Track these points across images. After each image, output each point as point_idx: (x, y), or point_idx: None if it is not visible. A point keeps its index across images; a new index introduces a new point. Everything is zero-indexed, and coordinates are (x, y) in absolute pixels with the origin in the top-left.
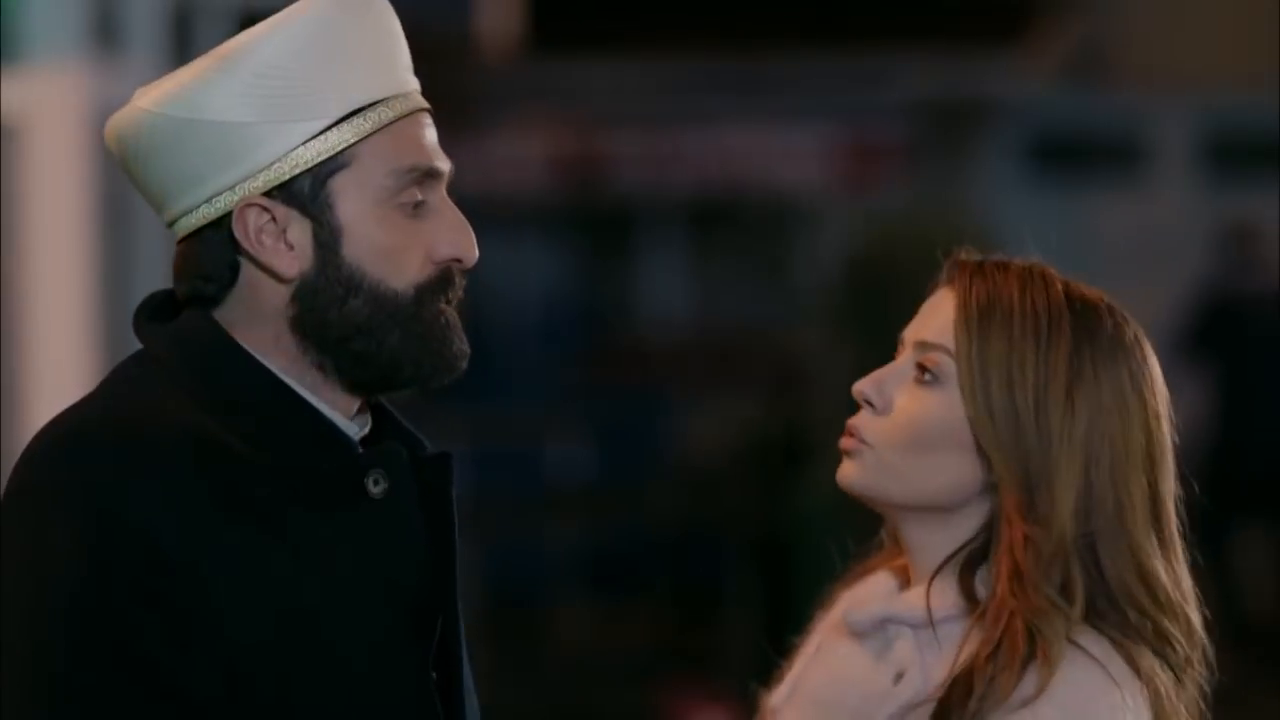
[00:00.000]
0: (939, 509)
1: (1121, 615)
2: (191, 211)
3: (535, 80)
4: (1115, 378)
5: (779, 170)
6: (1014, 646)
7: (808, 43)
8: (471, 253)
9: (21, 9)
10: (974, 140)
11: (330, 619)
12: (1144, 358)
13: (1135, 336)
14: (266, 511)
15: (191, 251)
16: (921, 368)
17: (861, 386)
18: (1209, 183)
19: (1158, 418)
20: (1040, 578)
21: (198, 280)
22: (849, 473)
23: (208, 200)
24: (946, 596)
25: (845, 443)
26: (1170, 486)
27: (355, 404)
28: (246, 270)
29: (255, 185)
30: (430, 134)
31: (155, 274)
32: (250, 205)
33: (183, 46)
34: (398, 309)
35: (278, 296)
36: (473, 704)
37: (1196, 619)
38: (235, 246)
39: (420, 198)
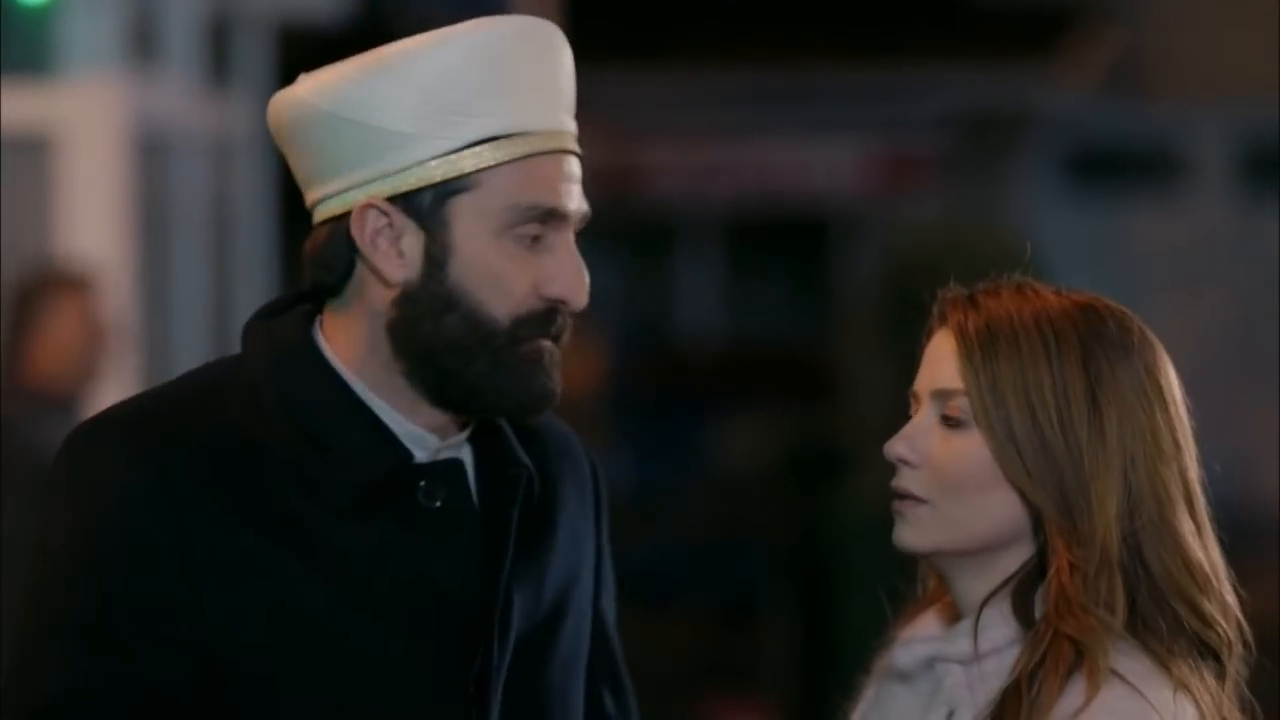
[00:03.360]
0: (989, 549)
1: (1165, 613)
2: (327, 200)
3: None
4: (1133, 373)
5: (816, 182)
6: (1059, 658)
7: (845, 55)
8: (580, 297)
9: (60, 22)
10: (1011, 153)
11: (343, 626)
12: (1152, 347)
13: (1139, 329)
14: (283, 513)
15: (320, 238)
16: (946, 418)
17: (893, 448)
18: (1246, 195)
19: (1175, 404)
20: (1087, 599)
21: (319, 268)
22: (906, 536)
23: (340, 193)
24: (994, 630)
25: (896, 506)
26: (1196, 470)
27: (443, 419)
28: (360, 268)
29: (381, 189)
30: (569, 175)
31: (192, 284)
32: (371, 207)
33: (219, 59)
34: (492, 336)
35: (381, 299)
36: (627, 702)
37: (1232, 599)
38: (353, 243)
39: (539, 233)
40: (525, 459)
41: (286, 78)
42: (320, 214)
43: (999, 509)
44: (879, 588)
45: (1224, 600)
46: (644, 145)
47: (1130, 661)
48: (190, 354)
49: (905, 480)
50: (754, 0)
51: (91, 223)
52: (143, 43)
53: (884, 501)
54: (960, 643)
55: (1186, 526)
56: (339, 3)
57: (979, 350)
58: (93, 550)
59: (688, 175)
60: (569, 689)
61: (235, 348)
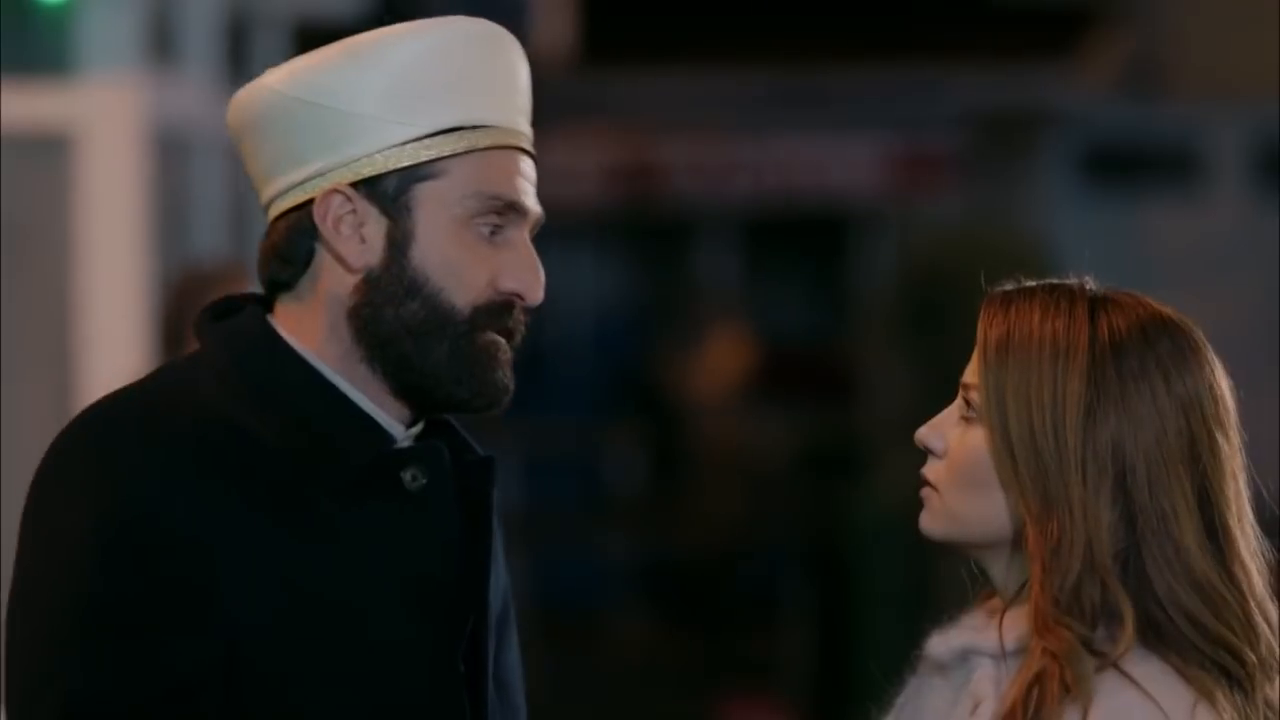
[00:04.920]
0: (1007, 543)
1: (1174, 627)
2: (287, 192)
3: (591, 91)
4: (1148, 388)
5: (834, 181)
6: (1052, 682)
7: (863, 54)
8: (536, 293)
9: (78, 21)
10: (1029, 151)
11: (346, 607)
12: (1185, 363)
13: (1178, 345)
14: (285, 500)
15: (277, 233)
16: (966, 404)
17: (920, 434)
18: (1263, 194)
19: (1204, 419)
20: (1060, 614)
21: (278, 262)
22: (924, 521)
23: (303, 182)
24: (1020, 627)
25: (922, 492)
26: (1230, 487)
27: (403, 410)
28: (320, 256)
29: (345, 174)
30: (525, 173)
31: None
32: (335, 192)
33: (238, 58)
34: (451, 323)
35: (342, 286)
36: (515, 701)
37: (1263, 621)
38: (314, 232)
39: (499, 224)
40: (475, 443)
41: None
42: (278, 207)
43: (992, 508)
44: (896, 585)
45: (1247, 621)
46: (662, 144)
47: (1146, 666)
48: None
49: (926, 466)
50: None
51: (110, 221)
52: (161, 41)
53: (902, 500)
54: (992, 636)
55: (1197, 544)
56: (356, 1)
57: (995, 350)
58: (113, 544)
59: (706, 174)
60: (515, 666)
61: None
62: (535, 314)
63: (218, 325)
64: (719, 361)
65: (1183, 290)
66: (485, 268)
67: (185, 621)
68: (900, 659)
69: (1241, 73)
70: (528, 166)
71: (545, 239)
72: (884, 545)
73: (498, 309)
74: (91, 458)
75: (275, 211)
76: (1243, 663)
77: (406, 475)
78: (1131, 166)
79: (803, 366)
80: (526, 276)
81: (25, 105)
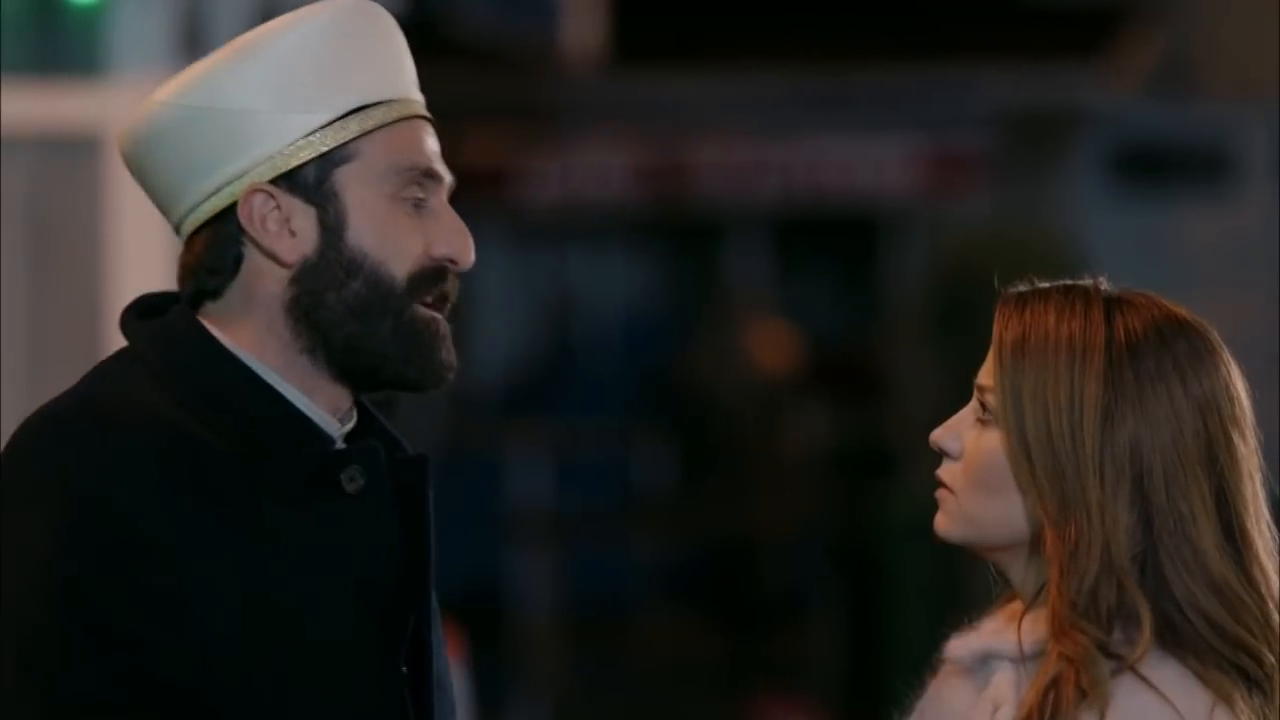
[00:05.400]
0: (1024, 546)
1: (1193, 629)
2: (200, 205)
3: (621, 91)
4: (1165, 390)
5: (864, 181)
6: (1068, 686)
7: (893, 54)
8: (467, 255)
9: (109, 21)
10: (1059, 151)
11: (297, 610)
12: (1202, 364)
13: (1194, 347)
14: (236, 503)
15: (198, 247)
16: (982, 407)
17: (935, 436)
18: None
19: (1221, 420)
20: (1076, 618)
21: (202, 274)
22: (940, 523)
23: (217, 191)
24: (1039, 630)
25: (937, 494)
26: (1248, 488)
27: (343, 398)
28: (249, 259)
29: (261, 172)
30: (432, 141)
31: None
32: (256, 191)
33: None
34: (392, 295)
35: (276, 283)
36: (448, 699)
37: None
38: (239, 236)
39: (422, 195)
40: (403, 438)
41: None
42: (194, 222)
43: (1008, 510)
44: (927, 585)
45: (1266, 623)
46: (692, 144)
47: (1164, 670)
48: None
49: (941, 469)
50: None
51: (140, 221)
52: (192, 41)
53: (932, 499)
54: (1011, 639)
55: (1215, 545)
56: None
57: (1010, 352)
58: (83, 553)
59: (736, 175)
60: (447, 664)
61: None
62: (565, 314)
63: (146, 324)
64: (749, 361)
65: (1214, 291)
66: (418, 237)
67: (171, 628)
68: (931, 659)
69: (1273, 72)
70: (431, 134)
71: (575, 238)
72: (914, 544)
73: (431, 275)
74: (49, 465)
75: (191, 226)
76: (1261, 664)
77: (345, 477)
78: (1162, 166)
79: (832, 367)
80: (457, 240)
81: (56, 105)
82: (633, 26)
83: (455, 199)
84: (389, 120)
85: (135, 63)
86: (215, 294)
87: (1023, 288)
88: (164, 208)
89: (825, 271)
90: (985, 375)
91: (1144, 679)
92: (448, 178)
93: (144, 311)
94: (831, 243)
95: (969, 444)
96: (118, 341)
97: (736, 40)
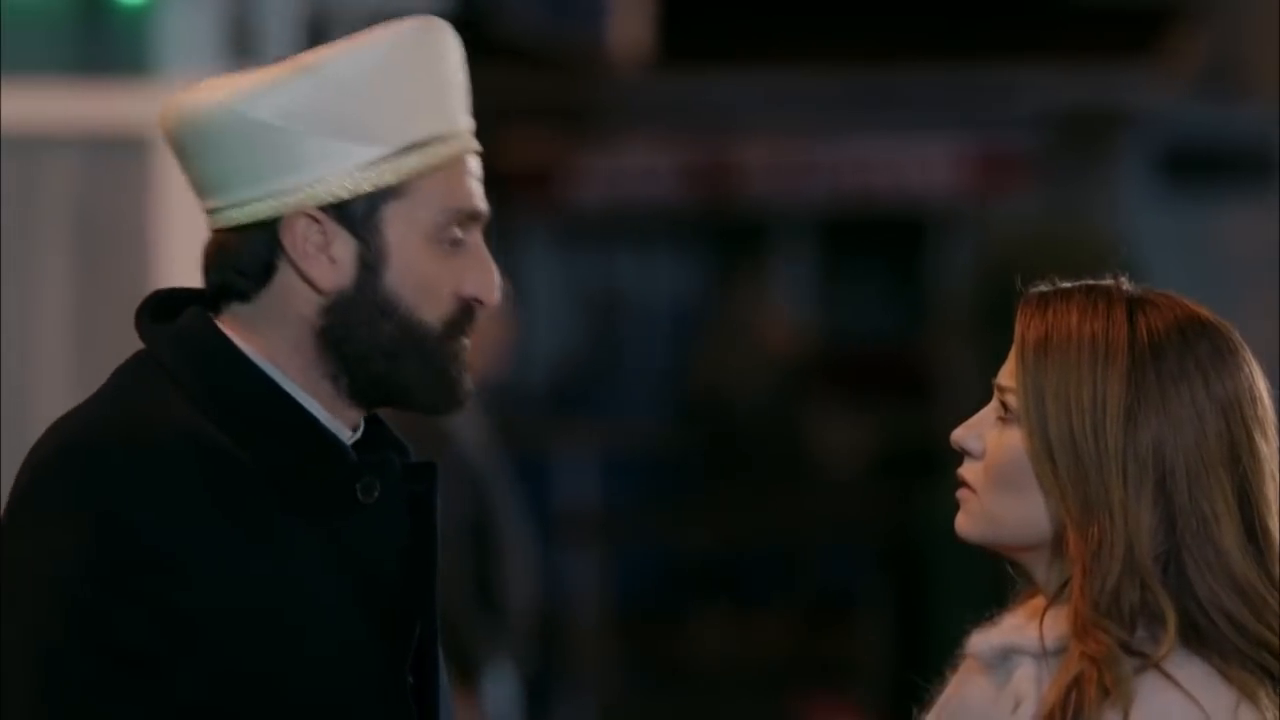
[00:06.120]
0: (1046, 546)
1: (1216, 629)
2: (240, 206)
3: (667, 92)
4: (1187, 390)
5: (911, 181)
6: (1090, 686)
7: (940, 54)
8: (493, 296)
9: (157, 21)
10: (1105, 152)
11: (310, 621)
12: (1224, 365)
13: (1216, 347)
14: (254, 516)
15: (230, 244)
16: (1003, 406)
17: (956, 435)
18: None
19: (1243, 421)
20: (1098, 617)
21: (231, 272)
22: (961, 523)
23: (260, 199)
24: (1061, 626)
25: (959, 494)
26: (1270, 489)
27: (358, 414)
28: (283, 274)
29: (311, 197)
30: (477, 176)
31: None
32: (303, 215)
33: None
34: (424, 339)
35: (309, 306)
36: (448, 706)
37: None
38: (276, 249)
39: (460, 236)
40: (406, 442)
41: None
42: (230, 219)
43: (1030, 510)
44: (973, 586)
45: None
46: (739, 145)
47: (1189, 669)
48: None
49: (963, 468)
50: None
51: (188, 222)
52: (240, 41)
53: None
54: (1033, 634)
55: (1239, 546)
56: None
57: (1033, 352)
58: (101, 571)
59: (782, 175)
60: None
61: None
62: (611, 313)
63: (164, 328)
64: (795, 361)
65: (1260, 291)
66: (450, 279)
67: (165, 637)
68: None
69: None
70: (477, 166)
71: (621, 239)
72: (962, 544)
73: (462, 316)
74: (70, 480)
75: (226, 222)
76: None
77: (360, 487)
78: (1209, 167)
79: (879, 366)
80: (485, 279)
81: (104, 106)
82: (680, 27)
83: (503, 198)
84: (442, 159)
85: (183, 63)
86: (242, 296)
87: (1044, 287)
88: (198, 190)
89: (872, 271)
90: (1006, 375)
91: (1169, 677)
92: (486, 211)
93: (157, 312)
94: (878, 243)
95: (991, 443)
96: None
97: (783, 40)
